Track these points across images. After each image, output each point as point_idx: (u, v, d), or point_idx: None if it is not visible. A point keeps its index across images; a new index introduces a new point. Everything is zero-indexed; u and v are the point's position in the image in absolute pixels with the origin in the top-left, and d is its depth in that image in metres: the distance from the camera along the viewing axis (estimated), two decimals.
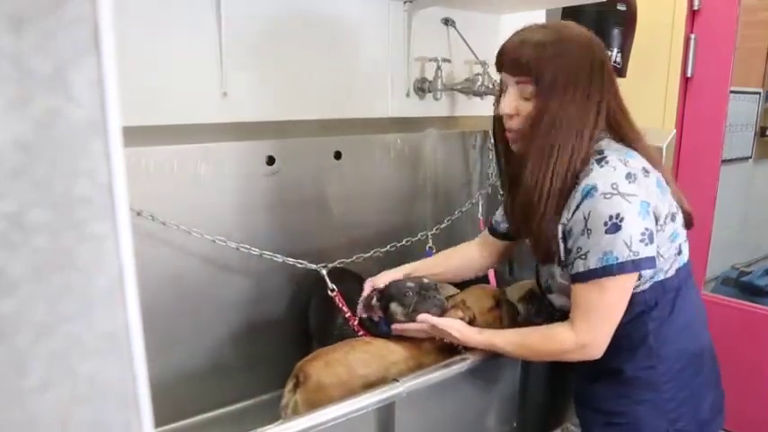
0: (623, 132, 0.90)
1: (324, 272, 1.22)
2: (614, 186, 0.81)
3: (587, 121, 0.85)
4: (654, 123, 2.01)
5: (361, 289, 1.14)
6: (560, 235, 0.88)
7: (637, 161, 0.86)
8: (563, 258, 0.89)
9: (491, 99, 1.54)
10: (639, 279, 0.88)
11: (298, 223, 1.35)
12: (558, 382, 1.18)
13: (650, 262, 0.83)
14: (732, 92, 1.78)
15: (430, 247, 1.45)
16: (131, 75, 1.06)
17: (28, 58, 0.26)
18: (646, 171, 0.86)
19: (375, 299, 1.09)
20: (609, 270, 0.82)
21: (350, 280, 1.30)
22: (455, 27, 1.55)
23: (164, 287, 1.17)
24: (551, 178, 0.84)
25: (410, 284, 1.06)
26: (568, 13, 1.81)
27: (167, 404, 1.18)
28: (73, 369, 0.30)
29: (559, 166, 0.84)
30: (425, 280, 1.08)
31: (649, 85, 1.98)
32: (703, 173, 1.79)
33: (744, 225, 2.47)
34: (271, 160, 1.28)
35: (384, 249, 1.39)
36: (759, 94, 2.47)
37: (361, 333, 1.12)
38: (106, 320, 0.30)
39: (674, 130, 1.62)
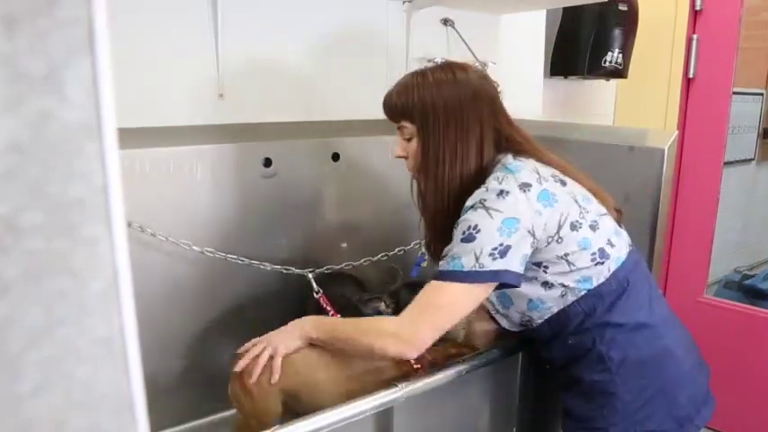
0: (519, 148, 0.95)
1: (310, 276, 1.23)
2: (482, 201, 0.85)
3: (470, 148, 0.92)
4: (655, 125, 2.00)
5: (359, 291, 1.15)
6: None
7: (521, 175, 0.87)
8: None
9: None
10: (557, 292, 0.89)
11: (294, 225, 1.35)
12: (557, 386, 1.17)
13: (497, 276, 0.84)
14: (735, 93, 1.78)
15: (422, 254, 1.44)
16: (127, 76, 1.06)
17: (21, 58, 0.26)
18: (526, 185, 0.86)
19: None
20: (451, 275, 0.84)
21: (347, 283, 1.31)
22: (454, 27, 1.54)
23: (159, 291, 1.17)
24: (447, 204, 0.92)
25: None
26: (569, 13, 1.81)
27: (163, 410, 1.18)
28: (67, 374, 0.29)
29: (452, 193, 0.92)
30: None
31: (651, 86, 1.98)
32: (705, 175, 1.78)
33: (746, 228, 2.46)
34: (268, 162, 1.28)
35: (375, 258, 1.39)
36: (762, 95, 2.46)
37: None
38: (101, 325, 0.30)
39: (677, 132, 1.61)
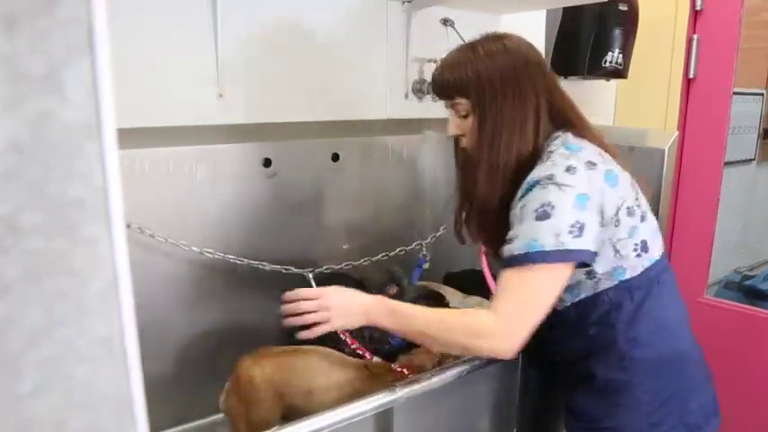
0: (572, 123, 0.92)
1: (310, 276, 1.22)
2: (551, 177, 0.82)
3: (527, 120, 0.89)
4: (656, 125, 2.00)
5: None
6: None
7: (584, 153, 0.86)
8: None
9: None
10: (592, 277, 0.86)
11: (294, 226, 1.35)
12: (557, 387, 1.17)
13: (579, 255, 0.80)
14: (735, 93, 1.78)
15: (423, 255, 1.43)
16: (126, 76, 1.06)
17: (21, 58, 0.26)
18: (592, 164, 0.84)
19: None
20: (532, 257, 0.79)
21: (350, 286, 1.30)
22: (454, 27, 1.54)
23: (158, 292, 1.17)
24: (498, 180, 0.89)
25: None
26: (569, 13, 1.81)
27: (163, 410, 1.18)
28: (67, 374, 0.29)
29: (505, 167, 0.89)
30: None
31: (651, 87, 1.98)
32: (706, 175, 1.78)
33: (747, 228, 2.46)
34: (267, 162, 1.28)
35: (375, 258, 1.39)
36: (762, 95, 2.46)
37: (354, 345, 1.13)
38: (101, 325, 0.30)
39: (677, 132, 1.61)
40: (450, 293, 1.34)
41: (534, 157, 0.88)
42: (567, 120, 0.92)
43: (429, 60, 1.53)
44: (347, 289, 0.93)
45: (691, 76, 1.78)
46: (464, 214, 1.01)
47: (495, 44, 0.92)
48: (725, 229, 1.92)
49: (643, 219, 0.89)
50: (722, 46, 1.73)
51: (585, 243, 0.80)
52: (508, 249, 0.82)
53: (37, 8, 0.26)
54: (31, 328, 0.28)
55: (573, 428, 0.98)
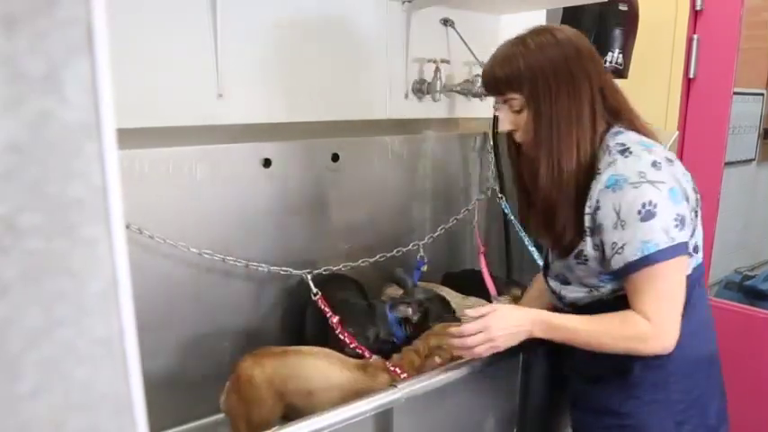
0: (624, 115, 0.92)
1: (308, 277, 1.22)
2: (642, 175, 0.82)
3: (582, 112, 0.88)
4: (656, 125, 2.00)
5: (360, 295, 1.15)
6: (588, 223, 0.88)
7: (659, 150, 0.87)
8: (590, 251, 0.89)
9: (491, 101, 1.53)
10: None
11: (294, 226, 1.35)
12: (558, 386, 1.17)
13: (684, 247, 0.84)
14: (735, 93, 1.78)
15: (421, 257, 1.43)
16: (126, 76, 1.05)
17: (21, 58, 0.26)
18: (669, 160, 0.87)
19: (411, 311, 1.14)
20: (651, 258, 0.81)
21: (349, 287, 1.30)
22: (454, 27, 1.54)
23: (158, 292, 1.17)
24: (564, 173, 0.88)
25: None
26: (569, 13, 1.81)
27: (162, 410, 1.17)
28: (66, 375, 0.29)
29: (568, 160, 0.88)
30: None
31: (651, 87, 1.97)
32: (706, 175, 1.78)
33: (747, 228, 2.46)
34: (267, 162, 1.28)
35: (373, 259, 1.38)
36: (762, 95, 2.45)
37: (353, 345, 1.13)
38: (100, 325, 0.30)
39: (677, 132, 1.61)
40: (447, 293, 1.34)
41: (593, 149, 0.88)
42: (619, 110, 0.92)
43: (429, 60, 1.53)
44: (506, 312, 0.93)
45: (691, 76, 1.78)
46: (528, 213, 1.00)
47: (545, 36, 0.90)
48: (725, 230, 1.92)
49: (700, 222, 0.91)
50: (722, 46, 1.73)
51: (686, 234, 0.84)
52: (621, 258, 0.84)
53: (36, 8, 0.26)
54: (30, 329, 0.28)
55: (587, 423, 0.98)
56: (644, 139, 0.89)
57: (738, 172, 2.36)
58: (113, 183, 0.29)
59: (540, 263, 1.37)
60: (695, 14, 1.76)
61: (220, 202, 1.23)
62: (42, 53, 0.26)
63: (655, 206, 0.81)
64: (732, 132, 1.97)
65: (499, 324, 0.90)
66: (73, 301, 0.29)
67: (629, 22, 1.81)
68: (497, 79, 0.92)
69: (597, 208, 0.86)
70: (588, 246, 0.88)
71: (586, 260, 0.90)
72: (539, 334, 0.90)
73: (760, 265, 2.44)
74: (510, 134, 0.97)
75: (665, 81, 1.94)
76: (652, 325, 0.84)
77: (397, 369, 0.99)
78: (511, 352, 1.05)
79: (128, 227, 1.07)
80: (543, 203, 0.91)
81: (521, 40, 0.91)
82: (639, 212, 0.81)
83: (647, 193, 0.81)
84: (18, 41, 0.26)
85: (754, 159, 2.49)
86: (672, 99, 1.89)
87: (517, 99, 0.90)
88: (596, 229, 0.87)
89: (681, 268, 0.85)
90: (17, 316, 0.27)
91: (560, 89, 0.87)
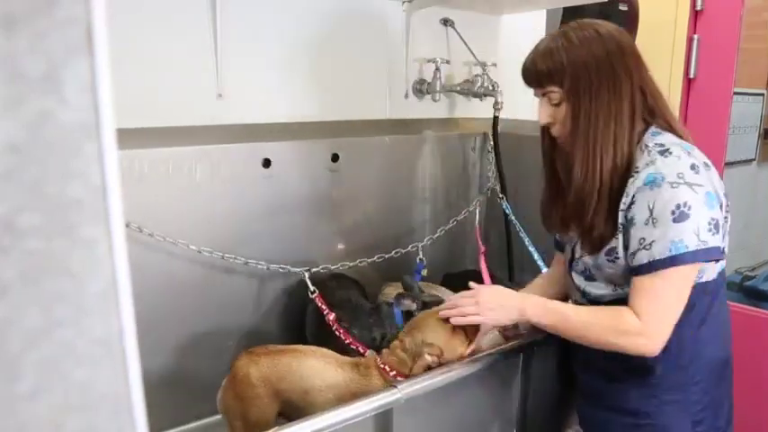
0: (661, 115, 0.91)
1: (306, 276, 1.23)
2: (680, 176, 0.82)
3: (622, 107, 0.88)
4: None
5: (361, 295, 1.15)
6: (621, 220, 0.88)
7: (698, 153, 0.87)
8: (621, 250, 0.88)
9: (490, 101, 1.53)
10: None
11: (294, 226, 1.35)
12: (559, 387, 1.17)
13: (718, 252, 0.84)
14: (736, 93, 1.77)
15: (420, 260, 1.43)
16: (126, 76, 1.06)
17: (20, 58, 0.26)
18: (707, 165, 0.87)
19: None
20: (680, 259, 0.81)
21: (349, 286, 1.30)
22: (454, 27, 1.54)
23: (158, 292, 1.17)
24: (600, 170, 0.87)
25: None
26: (569, 13, 1.81)
27: (162, 411, 1.17)
28: (65, 375, 0.29)
29: (605, 157, 0.87)
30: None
31: None
32: None
33: (747, 228, 2.45)
34: (267, 163, 1.28)
35: (372, 260, 1.39)
36: (763, 95, 2.45)
37: (348, 341, 1.13)
38: (99, 326, 0.30)
39: None
40: (444, 294, 1.34)
41: (630, 147, 0.87)
42: (657, 111, 0.91)
43: (429, 60, 1.53)
44: (498, 287, 0.97)
45: (691, 76, 1.78)
46: (554, 206, 1.00)
47: (588, 31, 0.90)
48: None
49: (727, 225, 0.91)
50: (722, 46, 1.73)
51: (720, 240, 0.84)
52: (647, 254, 0.83)
53: (36, 8, 0.26)
54: (29, 329, 0.28)
55: (602, 422, 0.97)
56: (683, 141, 0.89)
57: (739, 172, 2.36)
58: (113, 183, 0.29)
59: (541, 263, 1.36)
60: (695, 14, 1.76)
61: (220, 203, 1.23)
62: (42, 53, 0.26)
63: (689, 208, 0.81)
64: (732, 132, 1.97)
65: (489, 291, 0.95)
66: (72, 301, 0.28)
67: (630, 22, 1.81)
68: (539, 72, 0.91)
69: (632, 203, 0.85)
70: (620, 244, 0.88)
71: (617, 258, 0.89)
72: (530, 313, 0.91)
73: (760, 266, 2.44)
74: (545, 126, 0.97)
75: (665, 81, 1.94)
76: (642, 323, 0.84)
77: (387, 367, 0.99)
78: (511, 352, 1.05)
79: (127, 225, 1.07)
80: (575, 197, 0.91)
81: (563, 34, 0.91)
82: (673, 213, 0.81)
83: (683, 195, 0.81)
84: (18, 41, 0.26)
85: (754, 159, 2.49)
86: (672, 99, 1.89)
87: (557, 92, 0.90)
88: (628, 224, 0.86)
89: (690, 276, 0.84)
90: (17, 316, 0.27)
91: (601, 85, 0.87)
